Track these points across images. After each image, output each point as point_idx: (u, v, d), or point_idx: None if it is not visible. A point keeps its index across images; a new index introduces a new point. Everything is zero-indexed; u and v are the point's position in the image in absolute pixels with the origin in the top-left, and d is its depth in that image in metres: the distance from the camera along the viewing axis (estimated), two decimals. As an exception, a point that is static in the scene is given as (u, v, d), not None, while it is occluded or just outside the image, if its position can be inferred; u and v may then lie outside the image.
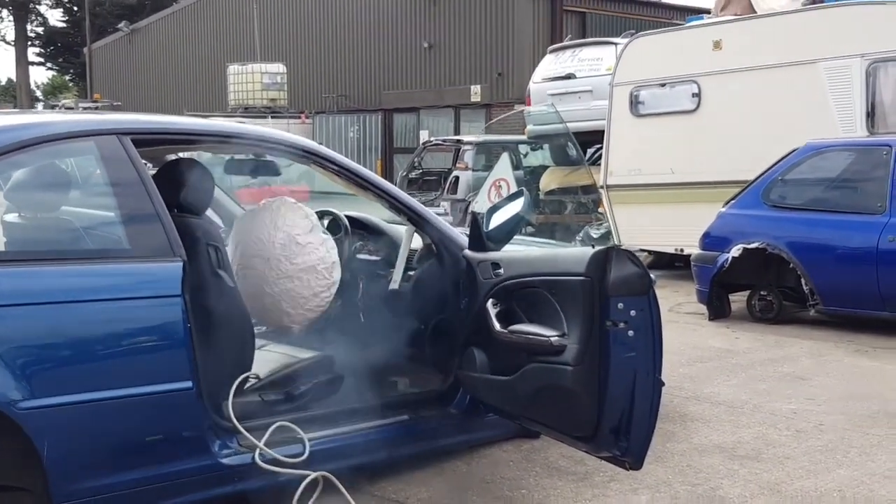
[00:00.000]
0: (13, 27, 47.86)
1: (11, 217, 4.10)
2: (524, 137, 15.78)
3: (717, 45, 10.37)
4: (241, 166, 4.63)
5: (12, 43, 47.80)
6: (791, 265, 7.90)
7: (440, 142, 18.42)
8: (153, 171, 4.02)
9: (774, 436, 4.86)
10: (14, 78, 50.72)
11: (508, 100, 23.08)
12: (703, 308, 8.44)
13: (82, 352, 3.33)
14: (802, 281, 7.84)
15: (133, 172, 3.65)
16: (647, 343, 3.42)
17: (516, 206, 4.34)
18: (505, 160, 13.60)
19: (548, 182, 14.03)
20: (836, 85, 9.48)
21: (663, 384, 3.48)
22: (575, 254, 3.66)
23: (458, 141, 17.61)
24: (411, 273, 4.73)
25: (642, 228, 10.69)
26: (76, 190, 4.03)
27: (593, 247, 3.58)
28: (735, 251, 8.10)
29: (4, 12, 48.26)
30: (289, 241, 4.39)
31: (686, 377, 6.09)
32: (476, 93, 25.95)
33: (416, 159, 18.15)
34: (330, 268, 4.45)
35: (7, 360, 3.15)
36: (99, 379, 3.34)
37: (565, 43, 15.52)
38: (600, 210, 12.15)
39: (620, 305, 3.38)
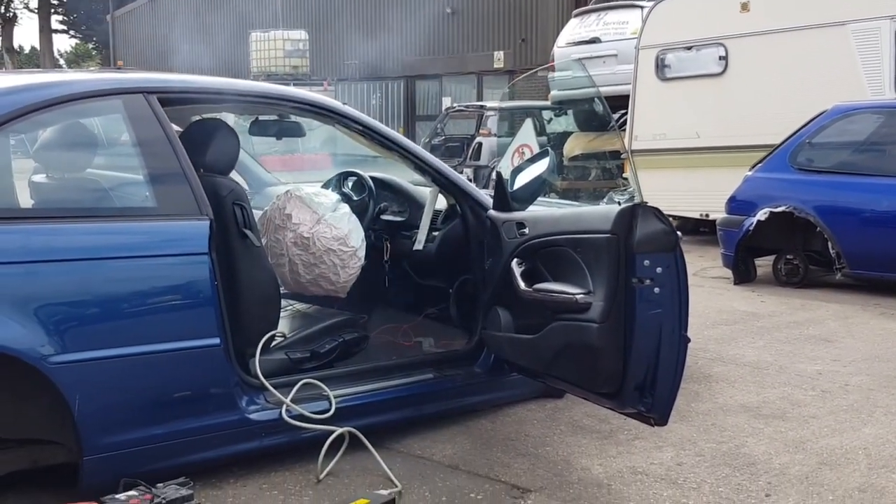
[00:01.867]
0: (37, -5, 47.89)
1: (39, 175, 4.14)
2: (548, 103, 15.69)
3: (744, 7, 10.26)
4: (265, 127, 4.63)
5: (36, 10, 47.89)
6: (818, 229, 7.84)
7: (463, 108, 18.36)
8: (179, 132, 4.03)
9: (799, 396, 4.85)
10: (37, 46, 50.88)
11: (532, 66, 22.92)
12: (729, 272, 8.40)
13: (111, 308, 3.37)
14: (829, 245, 7.79)
15: (160, 131, 3.68)
16: (673, 300, 3.41)
17: (541, 167, 4.34)
18: (528, 126, 13.56)
19: (572, 148, 13.96)
20: (864, 47, 9.36)
21: (689, 341, 3.48)
22: (600, 211, 3.64)
23: (482, 107, 17.56)
24: (436, 234, 4.74)
25: (667, 193, 10.62)
26: (103, 148, 4.05)
27: (619, 204, 3.57)
28: (761, 215, 8.05)
29: (28, -20, 48.31)
30: (298, 239, 4.43)
31: (711, 339, 6.08)
32: (499, 59, 25.80)
33: (438, 126, 18.11)
34: (345, 239, 4.46)
35: (38, 315, 3.19)
36: (128, 334, 3.39)
37: (590, 6, 15.37)
38: (624, 175, 12.10)
39: (647, 262, 3.37)
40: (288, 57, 26.62)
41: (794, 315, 6.95)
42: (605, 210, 3.59)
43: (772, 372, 5.32)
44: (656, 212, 3.42)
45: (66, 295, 3.30)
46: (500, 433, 4.27)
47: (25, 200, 3.90)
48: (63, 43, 64.99)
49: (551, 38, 17.70)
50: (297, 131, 4.73)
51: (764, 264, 8.53)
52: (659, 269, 3.38)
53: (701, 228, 11.14)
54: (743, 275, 8.35)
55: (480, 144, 16.17)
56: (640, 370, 3.43)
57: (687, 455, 4.01)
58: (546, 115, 16.56)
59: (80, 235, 3.41)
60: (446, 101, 25.03)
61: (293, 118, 4.57)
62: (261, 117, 4.63)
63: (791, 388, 4.99)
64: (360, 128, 4.30)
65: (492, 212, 4.28)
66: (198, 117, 4.49)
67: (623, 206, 3.51)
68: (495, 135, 16.23)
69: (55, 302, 3.27)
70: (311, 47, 27.06)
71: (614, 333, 3.45)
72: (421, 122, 27.08)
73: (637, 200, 3.50)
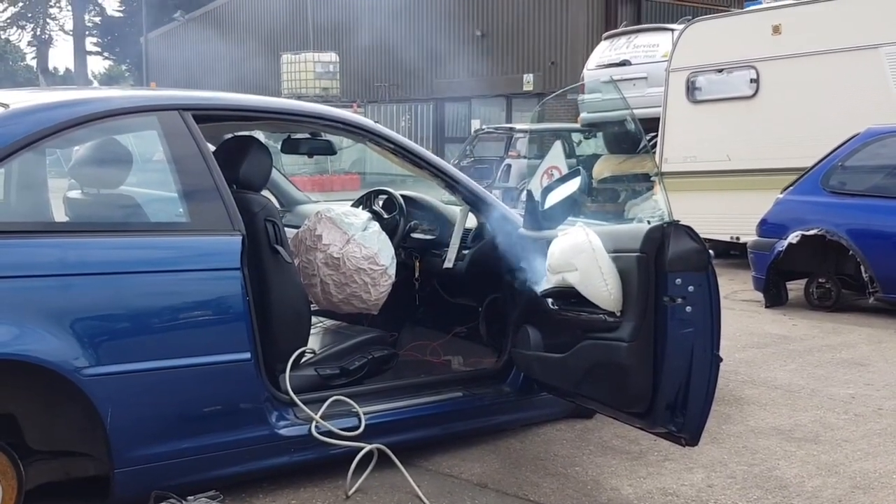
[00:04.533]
0: (72, 17, 48.68)
1: (75, 190, 4.19)
2: (577, 126, 15.69)
3: (776, 29, 10.22)
4: (297, 145, 4.66)
5: (70, 32, 48.64)
6: (850, 252, 7.76)
7: (492, 130, 18.42)
8: (212, 149, 4.07)
9: (832, 419, 4.80)
10: (72, 68, 51.63)
11: (561, 89, 22.96)
12: (760, 296, 8.32)
13: (144, 321, 3.40)
14: (862, 268, 7.71)
15: (194, 147, 3.72)
16: (705, 319, 3.39)
17: (572, 186, 4.33)
18: (558, 148, 13.54)
19: (601, 170, 13.94)
20: (898, 70, 9.30)
21: (721, 360, 3.45)
22: (630, 230, 3.64)
23: (511, 129, 17.60)
24: (466, 252, 4.74)
25: (697, 216, 10.47)
26: (138, 164, 4.10)
27: (648, 223, 3.56)
28: (793, 238, 7.97)
29: (63, 1, 49.10)
30: (329, 259, 4.44)
31: (742, 362, 6.03)
32: (528, 82, 25.89)
33: (468, 147, 18.17)
34: (375, 258, 4.47)
35: (72, 328, 3.23)
36: (160, 348, 3.41)
37: (621, 29, 15.40)
38: (654, 197, 12.05)
39: (678, 281, 3.35)
40: (318, 79, 26.88)
41: (827, 339, 6.88)
42: (636, 229, 3.58)
43: (804, 395, 5.26)
44: (688, 230, 3.41)
45: (100, 308, 3.33)
46: (529, 453, 4.25)
47: (61, 215, 3.96)
48: (97, 64, 65.81)
49: (581, 61, 17.73)
50: (328, 149, 4.75)
51: (795, 288, 8.45)
52: (691, 288, 3.37)
53: (731, 251, 11.06)
54: (774, 298, 8.27)
55: (510, 166, 16.20)
56: (671, 389, 3.41)
57: (718, 477, 3.97)
58: (575, 137, 16.56)
59: (114, 250, 3.45)
60: (475, 124, 25.13)
61: (325, 136, 4.61)
62: (292, 135, 4.66)
63: (823, 412, 4.93)
64: (392, 146, 4.32)
65: (522, 230, 4.28)
66: (231, 135, 4.52)
67: (652, 225, 3.50)
68: (524, 157, 16.25)
69: (89, 315, 3.30)
70: (342, 69, 27.29)
71: (644, 352, 3.43)
72: (450, 144, 27.17)
73: (666, 219, 3.48)
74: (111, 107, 3.72)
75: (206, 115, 3.92)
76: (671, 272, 3.36)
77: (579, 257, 3.55)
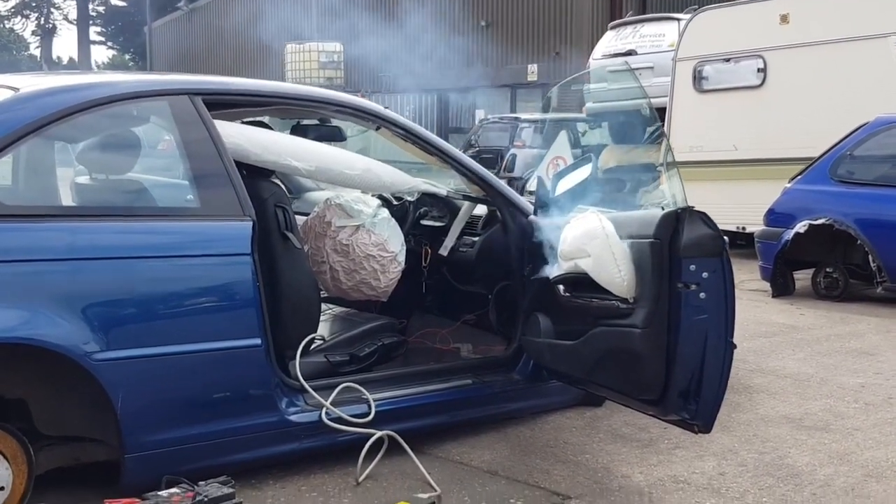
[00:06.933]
0: (76, 6, 48.64)
1: (84, 175, 4.17)
2: (583, 115, 15.63)
3: (784, 18, 10.18)
4: (306, 130, 4.63)
5: (74, 22, 48.60)
6: (858, 242, 7.74)
7: (497, 119, 18.37)
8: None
9: (842, 408, 4.78)
10: (76, 57, 51.60)
11: (566, 79, 22.89)
12: (767, 285, 8.31)
13: (155, 306, 3.38)
14: (870, 258, 7.68)
15: (204, 132, 3.69)
16: (719, 305, 3.37)
17: (584, 173, 4.32)
18: (563, 138, 13.51)
19: (607, 160, 13.88)
20: (906, 59, 9.26)
21: (735, 347, 3.43)
22: (644, 216, 3.62)
23: (516, 119, 17.55)
24: (476, 239, 4.72)
25: (704, 206, 10.43)
26: (148, 149, 4.08)
27: (662, 209, 3.54)
28: (800, 227, 7.95)
29: (67, -9, 49.10)
30: (338, 245, 4.42)
31: (750, 351, 6.01)
32: (533, 72, 25.81)
33: (472, 137, 18.13)
34: (384, 244, 4.45)
35: (83, 312, 3.21)
36: (171, 333, 3.40)
37: (626, 19, 15.34)
38: (661, 187, 12.02)
39: (692, 267, 3.33)
40: (323, 68, 26.83)
41: (835, 328, 6.86)
42: (649, 215, 3.56)
43: (813, 384, 5.24)
44: (703, 216, 3.39)
45: (110, 293, 3.32)
46: (539, 440, 4.24)
47: (71, 200, 3.95)
48: (101, 54, 65.67)
49: (585, 51, 17.68)
50: (337, 135, 4.72)
51: (803, 277, 8.43)
52: (705, 275, 3.35)
53: (738, 241, 11.03)
54: (781, 288, 8.25)
55: (514, 156, 16.15)
56: (684, 376, 3.40)
57: (729, 465, 3.96)
58: (580, 127, 16.50)
59: (124, 234, 3.43)
60: (479, 114, 25.07)
61: (334, 122, 4.58)
62: (302, 121, 4.63)
63: (833, 401, 4.92)
64: (402, 131, 4.30)
65: (533, 217, 4.26)
66: (240, 121, 4.49)
67: (666, 210, 3.48)
68: (529, 146, 16.22)
69: (100, 299, 3.29)
70: (346, 59, 27.23)
71: (657, 339, 3.41)
72: (454, 134, 27.11)
73: (680, 205, 3.46)
74: (121, 91, 3.70)
75: (216, 101, 3.89)
76: (685, 258, 3.34)
77: (592, 243, 3.53)
